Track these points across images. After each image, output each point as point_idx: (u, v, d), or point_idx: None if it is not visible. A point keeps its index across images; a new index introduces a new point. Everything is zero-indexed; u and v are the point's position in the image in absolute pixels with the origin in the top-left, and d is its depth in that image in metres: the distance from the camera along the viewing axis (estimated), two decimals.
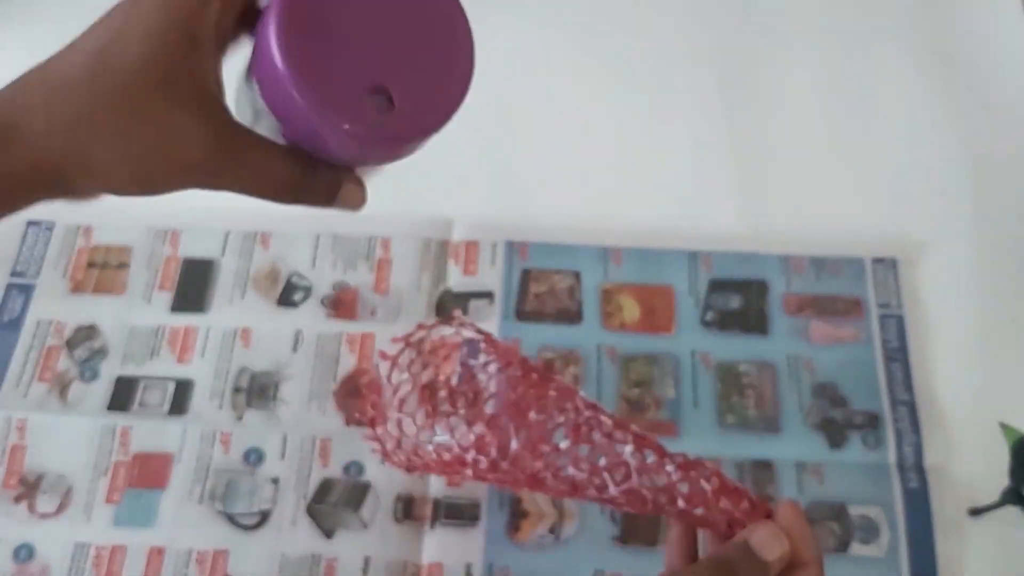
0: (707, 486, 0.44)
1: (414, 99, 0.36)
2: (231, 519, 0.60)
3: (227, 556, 0.59)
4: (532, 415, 0.48)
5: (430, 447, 0.53)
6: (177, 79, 0.34)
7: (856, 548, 0.59)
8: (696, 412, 0.63)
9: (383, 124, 0.35)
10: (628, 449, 0.46)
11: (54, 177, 0.36)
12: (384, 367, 0.55)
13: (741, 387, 0.64)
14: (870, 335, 0.65)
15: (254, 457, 0.62)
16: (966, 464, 0.61)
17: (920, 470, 0.61)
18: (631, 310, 0.67)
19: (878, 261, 0.68)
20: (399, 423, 0.54)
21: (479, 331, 0.53)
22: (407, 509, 0.60)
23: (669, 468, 0.45)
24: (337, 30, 0.34)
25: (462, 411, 0.53)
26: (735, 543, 0.41)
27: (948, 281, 0.68)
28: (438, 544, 0.59)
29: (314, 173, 0.38)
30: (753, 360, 0.65)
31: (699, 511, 0.44)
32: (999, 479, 0.57)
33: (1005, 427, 0.58)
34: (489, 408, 0.52)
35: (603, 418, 0.47)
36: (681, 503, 0.44)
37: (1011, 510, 0.57)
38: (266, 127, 0.37)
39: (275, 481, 0.61)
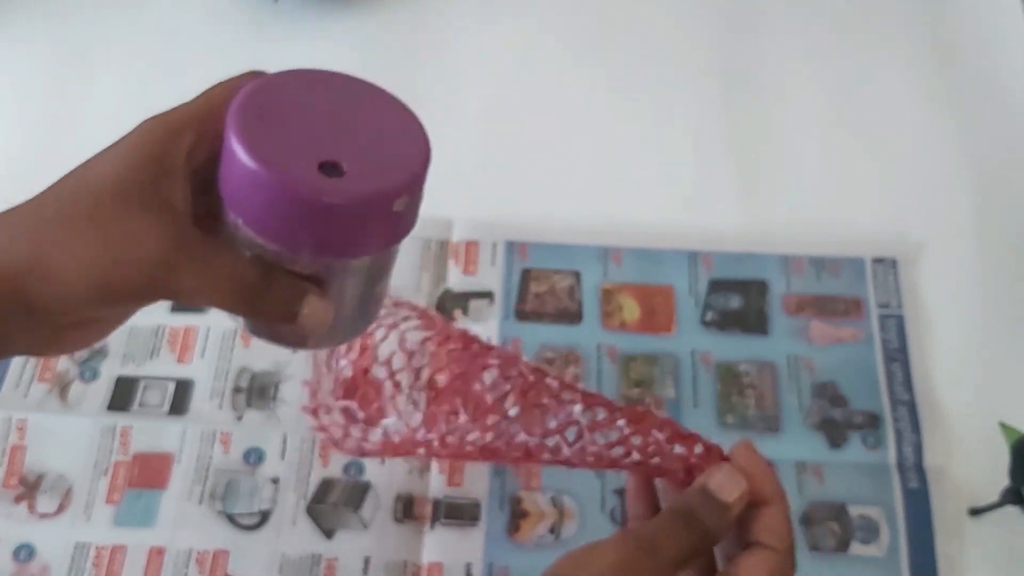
0: (660, 435, 0.44)
1: (364, 169, 0.36)
2: (231, 519, 0.60)
3: (227, 556, 0.59)
4: (476, 386, 0.49)
5: (379, 432, 0.53)
6: (141, 193, 0.36)
7: (856, 548, 0.59)
8: (696, 412, 0.63)
9: (330, 188, 0.34)
10: (578, 408, 0.46)
11: (13, 288, 0.35)
12: (322, 354, 0.56)
13: (741, 387, 0.64)
14: (870, 335, 0.65)
15: (254, 457, 0.62)
16: (966, 464, 0.61)
17: (920, 470, 0.61)
18: (631, 310, 0.67)
19: (878, 261, 0.68)
20: (345, 411, 0.54)
21: (413, 308, 0.53)
22: (407, 509, 0.60)
23: (620, 423, 0.45)
24: (289, 121, 0.36)
25: (407, 392, 0.53)
26: (693, 489, 0.41)
27: (948, 281, 0.68)
28: (438, 544, 0.59)
29: (276, 279, 0.38)
30: (753, 360, 0.65)
31: (655, 460, 0.44)
32: (999, 479, 0.57)
33: (1005, 427, 0.58)
34: (433, 383, 0.52)
35: (549, 380, 0.48)
36: (636, 455, 0.45)
37: (1011, 510, 0.57)
38: (240, 244, 0.37)
39: (275, 481, 0.61)
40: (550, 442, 0.47)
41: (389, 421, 0.53)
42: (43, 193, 0.37)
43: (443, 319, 0.59)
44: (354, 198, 0.35)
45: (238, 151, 0.34)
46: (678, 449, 0.44)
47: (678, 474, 0.44)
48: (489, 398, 0.49)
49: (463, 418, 0.49)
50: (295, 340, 0.42)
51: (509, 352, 0.53)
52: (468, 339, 0.52)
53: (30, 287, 0.35)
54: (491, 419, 0.48)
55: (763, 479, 0.41)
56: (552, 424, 0.47)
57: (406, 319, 0.57)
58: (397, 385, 0.55)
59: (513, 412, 0.48)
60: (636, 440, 0.45)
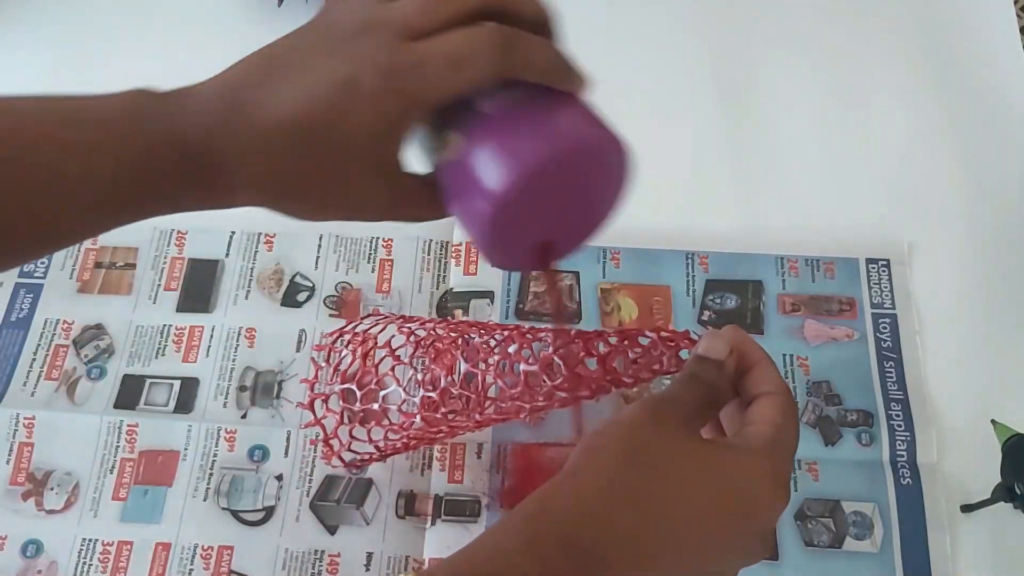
0: (646, 339, 0.49)
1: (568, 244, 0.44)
2: (236, 515, 0.61)
3: (232, 551, 0.60)
4: (458, 366, 0.53)
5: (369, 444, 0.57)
6: (376, 163, 0.38)
7: (850, 544, 0.60)
8: None
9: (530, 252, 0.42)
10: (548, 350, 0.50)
11: (240, 197, 0.41)
12: (319, 357, 0.59)
13: None
14: (864, 334, 0.66)
15: (258, 454, 0.63)
16: (958, 460, 0.62)
17: (913, 467, 0.62)
18: (629, 309, 0.68)
19: (872, 262, 0.69)
20: (343, 395, 0.57)
21: (391, 316, 0.58)
22: (408, 505, 0.61)
23: (603, 349, 0.50)
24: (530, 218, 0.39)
25: (407, 361, 0.56)
26: (690, 360, 0.44)
27: (940, 281, 0.69)
28: (440, 540, 0.60)
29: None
30: None
31: (646, 376, 0.49)
32: (991, 475, 0.58)
33: (996, 424, 0.58)
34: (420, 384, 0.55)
35: (512, 332, 0.53)
36: (627, 379, 0.49)
37: (1003, 506, 0.58)
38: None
39: (279, 478, 0.62)
40: (538, 390, 0.51)
41: (389, 391, 0.55)
42: (279, 131, 0.38)
43: (419, 317, 0.62)
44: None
45: (480, 229, 0.38)
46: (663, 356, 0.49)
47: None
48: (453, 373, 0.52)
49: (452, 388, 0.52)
50: None
51: (483, 323, 0.56)
52: (448, 327, 0.56)
53: (258, 96, 0.38)
54: (471, 392, 0.52)
55: (749, 346, 0.44)
56: (522, 368, 0.51)
57: (408, 320, 0.59)
58: (397, 358, 0.56)
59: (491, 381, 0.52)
60: (619, 364, 0.49)
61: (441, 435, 0.57)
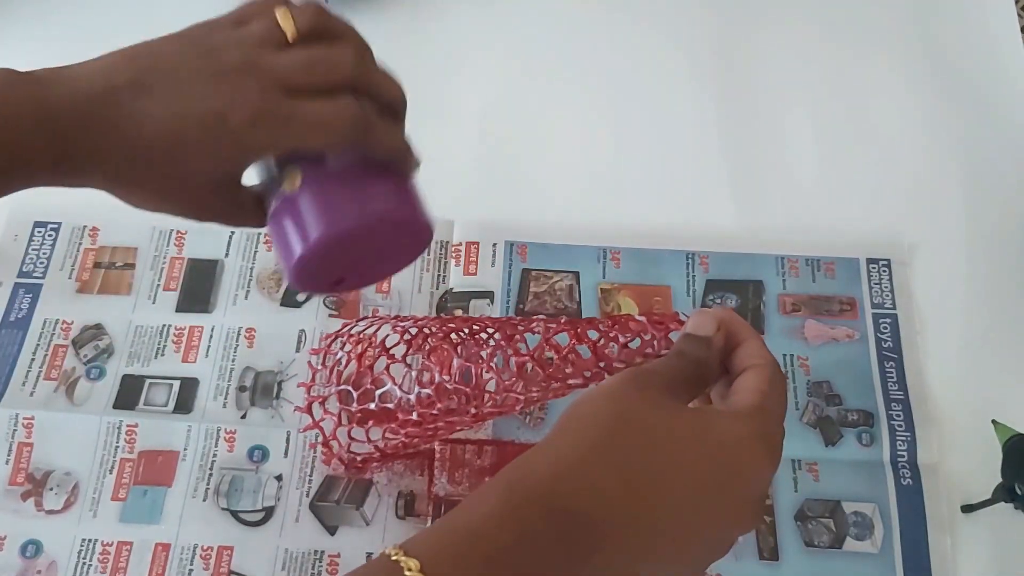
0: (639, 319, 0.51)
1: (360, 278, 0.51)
2: (235, 515, 0.61)
3: (231, 552, 0.60)
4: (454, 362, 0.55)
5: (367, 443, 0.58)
6: (223, 183, 0.44)
7: (850, 544, 0.60)
8: None
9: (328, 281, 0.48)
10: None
11: (108, 102, 0.41)
12: (315, 360, 0.61)
13: None
14: (864, 334, 0.66)
15: (258, 454, 0.63)
16: (959, 460, 0.62)
17: (914, 467, 0.62)
18: (629, 309, 0.68)
19: (872, 262, 0.69)
20: (340, 396, 0.59)
21: (386, 317, 0.60)
22: (408, 506, 0.61)
23: (594, 336, 0.51)
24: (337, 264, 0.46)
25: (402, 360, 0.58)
26: (680, 336, 0.45)
27: (941, 281, 0.69)
28: None
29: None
30: None
31: (638, 361, 0.50)
32: (991, 475, 0.58)
33: (997, 425, 0.58)
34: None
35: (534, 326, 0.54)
36: (619, 364, 0.50)
37: (1003, 507, 0.58)
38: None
39: (279, 478, 0.62)
40: (537, 381, 0.52)
41: (385, 389, 0.56)
42: (146, 105, 0.41)
43: (414, 316, 0.62)
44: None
45: (289, 264, 0.45)
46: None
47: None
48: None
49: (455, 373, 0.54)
50: None
51: (482, 318, 0.58)
52: (446, 327, 0.57)
53: (130, 103, 0.41)
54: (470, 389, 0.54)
55: (737, 324, 0.45)
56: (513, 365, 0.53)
57: (402, 320, 0.59)
58: (392, 357, 0.57)
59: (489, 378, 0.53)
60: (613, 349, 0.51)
61: (440, 431, 0.57)
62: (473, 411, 0.54)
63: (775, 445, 0.41)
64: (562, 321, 0.54)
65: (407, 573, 0.33)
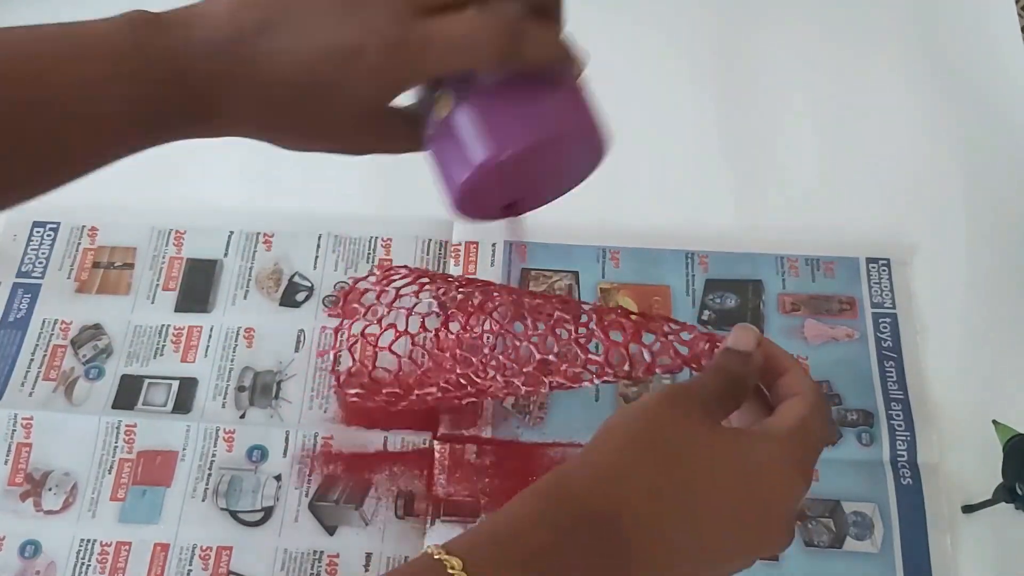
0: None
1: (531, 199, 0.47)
2: (234, 515, 0.61)
3: (231, 552, 0.60)
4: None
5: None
6: (369, 115, 0.40)
7: (850, 544, 0.59)
8: None
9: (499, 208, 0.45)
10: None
11: (241, 50, 0.38)
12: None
13: None
14: (864, 334, 0.66)
15: (257, 454, 0.63)
16: (959, 460, 0.62)
17: (913, 467, 0.61)
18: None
19: (872, 261, 0.69)
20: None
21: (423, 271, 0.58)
22: (407, 506, 0.61)
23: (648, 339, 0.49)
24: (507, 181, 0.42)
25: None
26: (719, 352, 0.45)
27: (941, 281, 0.69)
28: (438, 540, 0.59)
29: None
30: None
31: (664, 360, 0.48)
32: (991, 475, 0.57)
33: (998, 425, 0.58)
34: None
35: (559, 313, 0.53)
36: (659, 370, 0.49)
37: (1004, 507, 0.58)
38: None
39: (278, 478, 0.62)
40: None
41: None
42: (292, 56, 0.38)
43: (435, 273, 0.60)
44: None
45: (455, 188, 0.41)
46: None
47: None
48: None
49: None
50: None
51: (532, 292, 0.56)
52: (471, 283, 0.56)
53: (261, 45, 0.38)
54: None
55: (776, 352, 0.44)
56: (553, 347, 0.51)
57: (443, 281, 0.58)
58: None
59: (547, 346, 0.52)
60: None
61: (460, 388, 0.56)
62: (500, 378, 0.53)
63: (807, 467, 0.41)
64: (618, 313, 0.52)
65: (450, 571, 0.34)
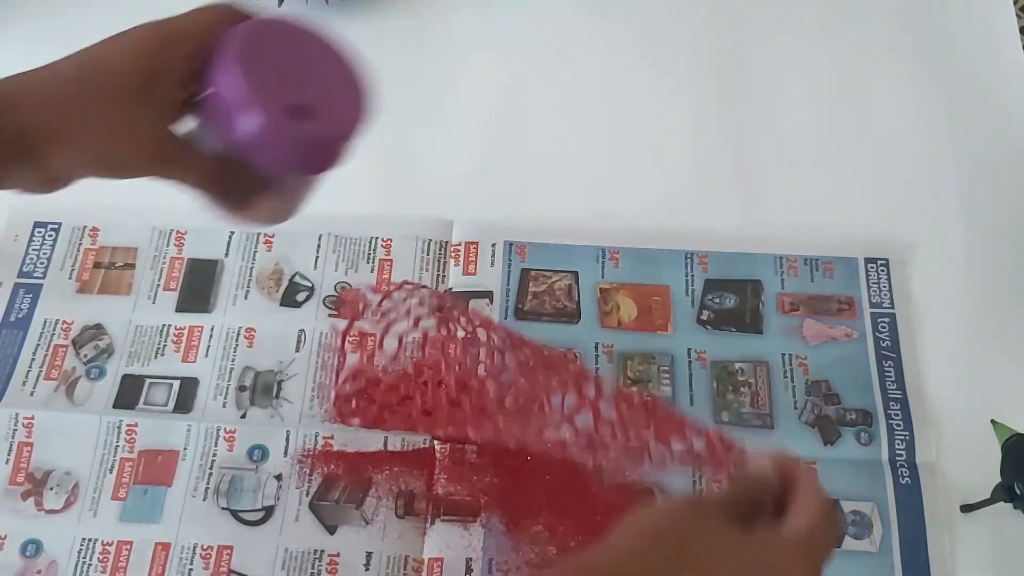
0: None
1: (328, 114, 0.46)
2: (235, 515, 0.61)
3: (231, 551, 0.60)
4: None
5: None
6: (150, 88, 0.43)
7: (849, 543, 0.60)
8: (692, 409, 0.64)
9: (299, 129, 0.44)
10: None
11: (31, 145, 0.41)
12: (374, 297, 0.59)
13: (736, 385, 0.65)
14: (863, 334, 0.66)
15: (258, 454, 0.63)
16: (957, 459, 0.62)
17: (912, 466, 0.62)
18: (628, 309, 0.68)
19: (871, 261, 0.69)
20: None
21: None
22: (408, 505, 0.61)
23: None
24: (279, 64, 0.45)
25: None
26: (742, 477, 0.46)
27: (939, 281, 0.69)
28: (439, 539, 0.60)
29: (236, 174, 0.45)
30: (748, 358, 0.66)
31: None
32: (989, 474, 0.58)
33: (996, 424, 0.58)
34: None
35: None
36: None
37: (1002, 506, 0.58)
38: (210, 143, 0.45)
39: (278, 478, 0.62)
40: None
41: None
42: (60, 66, 0.42)
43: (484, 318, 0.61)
44: (323, 138, 0.46)
45: (243, 87, 0.43)
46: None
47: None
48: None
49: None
50: (245, 219, 0.49)
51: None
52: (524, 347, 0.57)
53: (41, 147, 0.41)
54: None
55: (787, 463, 0.45)
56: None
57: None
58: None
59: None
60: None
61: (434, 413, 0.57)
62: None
63: (818, 571, 0.42)
64: (644, 403, 0.53)
65: None
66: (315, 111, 0.45)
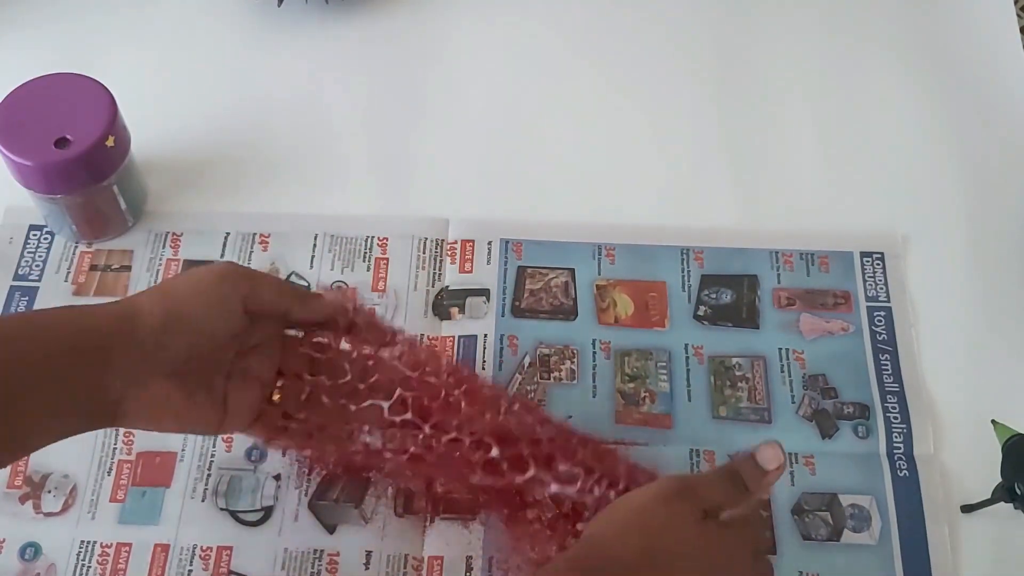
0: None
1: (81, 135, 0.62)
2: (234, 515, 0.61)
3: (231, 552, 0.60)
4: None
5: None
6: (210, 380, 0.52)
7: (848, 536, 0.60)
8: (690, 405, 0.64)
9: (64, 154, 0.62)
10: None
11: (109, 406, 0.48)
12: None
13: (733, 380, 0.65)
14: (859, 327, 0.67)
15: (256, 454, 0.63)
16: (955, 451, 0.62)
17: (910, 459, 0.62)
18: (625, 305, 0.68)
19: (866, 255, 0.69)
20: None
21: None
22: (407, 504, 0.61)
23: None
24: (33, 117, 0.63)
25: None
26: (743, 456, 0.52)
27: (935, 274, 0.69)
28: (439, 538, 0.60)
29: None
30: (745, 353, 0.66)
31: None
32: (987, 466, 0.58)
33: (997, 424, 0.58)
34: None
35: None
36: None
37: (1003, 507, 0.57)
38: None
39: (277, 478, 0.62)
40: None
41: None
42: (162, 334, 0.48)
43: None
44: (80, 152, 0.62)
45: (13, 161, 0.62)
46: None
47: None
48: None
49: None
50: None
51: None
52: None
53: (123, 409, 0.48)
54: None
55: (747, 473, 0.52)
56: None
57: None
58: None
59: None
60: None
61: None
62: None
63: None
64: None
65: None
66: (74, 139, 0.62)
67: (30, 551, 0.60)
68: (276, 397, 0.56)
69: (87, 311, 0.48)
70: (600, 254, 0.70)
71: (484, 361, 0.65)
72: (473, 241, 0.70)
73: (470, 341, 0.66)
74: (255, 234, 0.71)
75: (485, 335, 0.66)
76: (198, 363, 0.50)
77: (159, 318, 0.48)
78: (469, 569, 0.59)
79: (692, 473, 0.52)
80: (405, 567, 0.59)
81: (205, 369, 0.51)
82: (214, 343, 0.50)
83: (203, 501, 0.61)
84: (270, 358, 0.55)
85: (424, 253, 0.70)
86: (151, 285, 0.69)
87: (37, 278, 0.69)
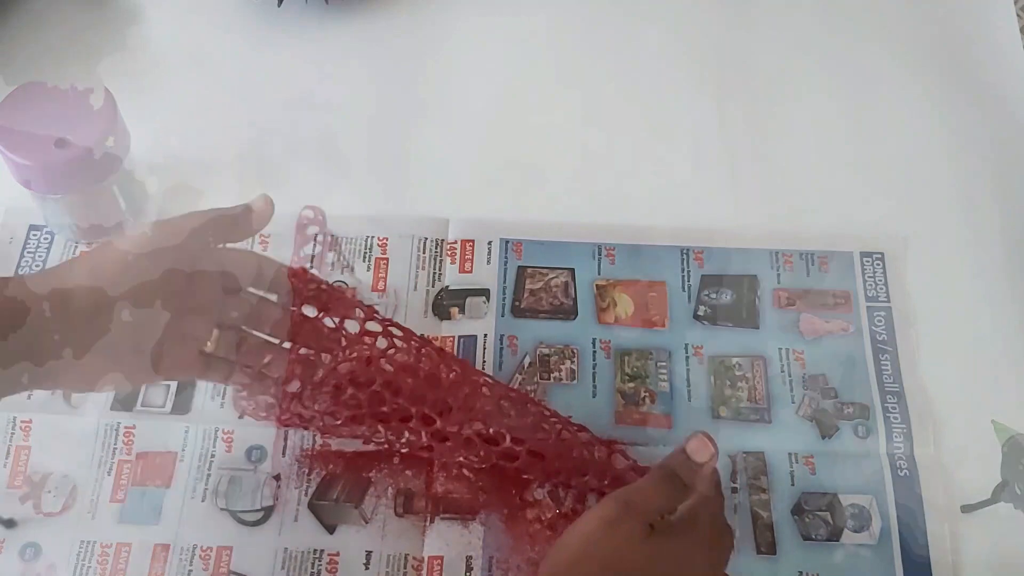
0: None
1: (80, 136, 0.63)
2: (234, 516, 0.61)
3: (231, 552, 0.60)
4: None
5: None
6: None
7: (848, 536, 0.60)
8: (690, 405, 0.64)
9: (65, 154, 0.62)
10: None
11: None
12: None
13: (733, 379, 0.65)
14: (859, 328, 0.67)
15: (256, 454, 0.63)
16: (954, 451, 0.62)
17: (910, 458, 0.62)
18: (625, 305, 0.68)
19: (866, 255, 0.69)
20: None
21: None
22: (407, 504, 0.61)
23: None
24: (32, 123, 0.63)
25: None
26: (674, 453, 0.53)
27: (934, 274, 0.69)
28: (439, 537, 0.60)
29: None
30: (745, 353, 0.66)
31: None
32: (986, 466, 0.58)
33: (997, 424, 0.58)
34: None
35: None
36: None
37: (1003, 507, 0.58)
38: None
39: (277, 478, 0.62)
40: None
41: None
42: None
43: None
44: (80, 152, 0.63)
45: (13, 161, 0.62)
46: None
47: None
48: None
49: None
50: None
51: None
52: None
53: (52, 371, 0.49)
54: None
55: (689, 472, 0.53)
56: None
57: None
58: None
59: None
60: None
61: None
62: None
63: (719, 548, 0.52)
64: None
65: None
66: (73, 140, 0.62)
67: (30, 551, 0.60)
68: (209, 347, 0.57)
69: (14, 281, 0.48)
70: (600, 254, 0.70)
71: (484, 361, 0.65)
72: (473, 241, 0.70)
73: (470, 341, 0.66)
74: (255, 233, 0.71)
75: (485, 335, 0.66)
76: (131, 340, 0.51)
77: (90, 305, 0.49)
78: (469, 569, 0.59)
79: (630, 486, 0.51)
80: (405, 567, 0.59)
81: (138, 340, 0.51)
82: (152, 333, 0.52)
83: (203, 501, 0.61)
84: (205, 318, 0.55)
85: (424, 253, 0.70)
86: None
87: None
